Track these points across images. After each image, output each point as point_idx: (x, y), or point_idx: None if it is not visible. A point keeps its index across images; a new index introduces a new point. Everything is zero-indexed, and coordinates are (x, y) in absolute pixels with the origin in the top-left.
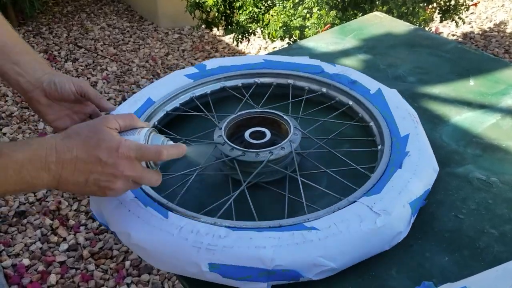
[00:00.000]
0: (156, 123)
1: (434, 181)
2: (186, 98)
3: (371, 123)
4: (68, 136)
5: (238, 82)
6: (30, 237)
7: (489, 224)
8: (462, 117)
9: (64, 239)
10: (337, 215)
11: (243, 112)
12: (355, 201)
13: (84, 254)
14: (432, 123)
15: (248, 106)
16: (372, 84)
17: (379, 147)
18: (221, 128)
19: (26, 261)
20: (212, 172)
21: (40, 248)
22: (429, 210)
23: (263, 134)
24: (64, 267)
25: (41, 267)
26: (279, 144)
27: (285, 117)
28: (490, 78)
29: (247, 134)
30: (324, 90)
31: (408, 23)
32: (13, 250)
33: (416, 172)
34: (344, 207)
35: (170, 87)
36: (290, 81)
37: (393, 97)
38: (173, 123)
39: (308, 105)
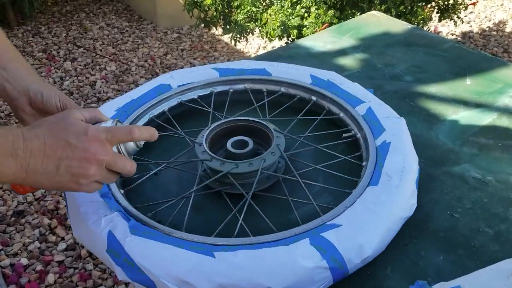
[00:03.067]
0: None
1: (429, 179)
2: (145, 120)
3: (341, 114)
4: (34, 125)
5: (195, 94)
6: (28, 237)
7: (485, 223)
8: (458, 116)
9: (63, 238)
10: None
11: (218, 123)
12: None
13: (82, 254)
14: (429, 122)
15: (214, 117)
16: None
17: (358, 135)
18: (201, 144)
19: (24, 261)
20: (206, 191)
21: (39, 248)
22: (424, 209)
23: (244, 143)
24: (62, 267)
25: (39, 267)
26: (268, 150)
27: (262, 122)
28: (487, 77)
29: (229, 145)
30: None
31: (405, 22)
32: (11, 249)
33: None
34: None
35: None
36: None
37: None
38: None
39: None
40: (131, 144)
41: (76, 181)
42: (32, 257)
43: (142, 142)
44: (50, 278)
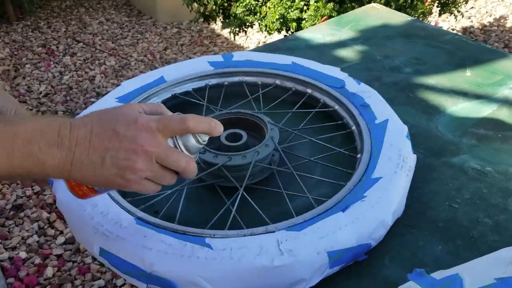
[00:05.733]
0: None
1: (428, 170)
2: None
3: (336, 107)
4: (85, 115)
5: (189, 87)
6: (27, 230)
7: (484, 213)
8: (458, 108)
9: (61, 232)
10: (240, 241)
11: (211, 116)
12: (273, 231)
13: (81, 247)
14: (428, 113)
15: (208, 110)
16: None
17: (353, 128)
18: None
19: (23, 254)
20: (199, 184)
21: (37, 241)
22: (423, 199)
23: (238, 136)
24: (61, 260)
25: (38, 260)
26: (262, 142)
27: (256, 114)
28: (486, 68)
29: (223, 137)
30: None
31: (405, 15)
32: (10, 243)
33: (358, 220)
34: (257, 234)
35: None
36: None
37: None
38: None
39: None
40: (190, 139)
41: (123, 175)
42: (30, 251)
43: (206, 138)
44: (49, 271)
